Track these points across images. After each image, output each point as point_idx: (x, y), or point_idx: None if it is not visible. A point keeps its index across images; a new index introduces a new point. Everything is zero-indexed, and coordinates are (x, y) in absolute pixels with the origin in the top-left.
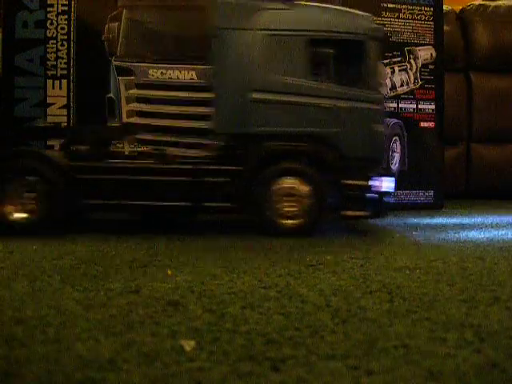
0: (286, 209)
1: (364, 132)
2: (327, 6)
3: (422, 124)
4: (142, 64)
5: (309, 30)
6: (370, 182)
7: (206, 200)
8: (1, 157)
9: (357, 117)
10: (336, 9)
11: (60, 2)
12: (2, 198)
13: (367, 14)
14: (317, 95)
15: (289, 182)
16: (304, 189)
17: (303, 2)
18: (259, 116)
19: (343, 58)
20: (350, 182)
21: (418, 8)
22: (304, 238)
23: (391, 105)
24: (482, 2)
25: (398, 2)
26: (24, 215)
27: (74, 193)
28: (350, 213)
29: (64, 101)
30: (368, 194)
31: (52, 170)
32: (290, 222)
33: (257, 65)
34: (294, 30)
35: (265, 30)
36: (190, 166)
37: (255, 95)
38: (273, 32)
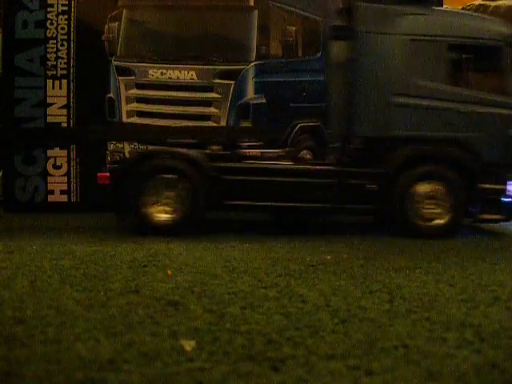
0: (427, 211)
1: (501, 137)
2: (466, 11)
3: None
4: (141, 64)
5: (449, 36)
6: (506, 187)
7: (348, 202)
8: (144, 156)
9: (494, 122)
10: (474, 14)
11: (60, 2)
12: (145, 200)
13: (503, 19)
14: (456, 100)
15: (430, 185)
16: (444, 192)
17: (443, 8)
18: (400, 120)
19: (481, 64)
20: (488, 185)
21: None
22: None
23: None
24: (481, 2)
25: None
26: (167, 216)
27: (217, 193)
28: (486, 216)
29: (64, 101)
30: (503, 198)
31: (196, 170)
32: (430, 224)
33: (398, 69)
34: (434, 36)
35: (406, 34)
36: (332, 168)
37: (397, 99)
38: (413, 37)
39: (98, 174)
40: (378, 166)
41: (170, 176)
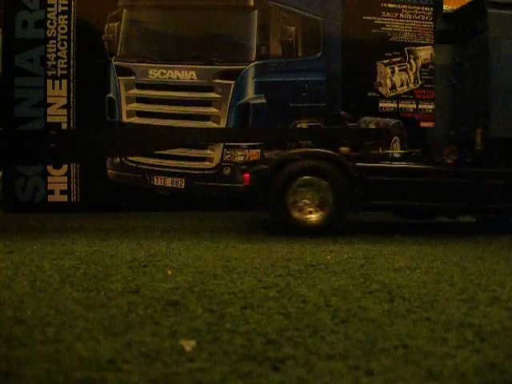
0: None
1: None
2: None
3: (422, 124)
4: (141, 64)
5: None
6: None
7: (483, 201)
8: (288, 158)
9: None
10: None
11: (60, 2)
12: (289, 202)
13: None
14: None
15: None
16: None
17: None
18: None
19: None
20: None
21: (418, 8)
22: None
23: (391, 105)
24: None
25: (397, 2)
26: (313, 217)
27: (360, 193)
28: None
29: (64, 101)
30: None
31: (340, 170)
32: None
33: None
34: None
35: None
36: (469, 169)
37: None
38: None
39: (244, 175)
40: (505, 166)
41: (314, 177)
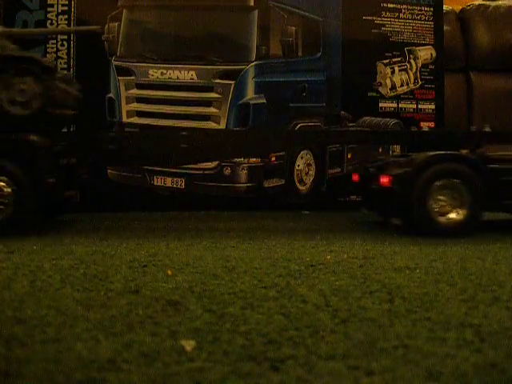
0: None
1: None
2: None
3: (422, 124)
4: (141, 64)
5: None
6: None
7: None
8: (430, 160)
9: None
10: None
11: (60, 2)
12: (430, 204)
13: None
14: None
15: None
16: None
17: None
18: None
19: None
20: None
21: (418, 8)
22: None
23: (391, 105)
24: (482, 2)
25: (397, 2)
26: (451, 218)
27: (493, 194)
28: None
29: None
30: None
31: (475, 172)
32: None
33: None
34: None
35: None
36: None
37: None
38: None
39: (385, 177)
40: None
41: (452, 179)
